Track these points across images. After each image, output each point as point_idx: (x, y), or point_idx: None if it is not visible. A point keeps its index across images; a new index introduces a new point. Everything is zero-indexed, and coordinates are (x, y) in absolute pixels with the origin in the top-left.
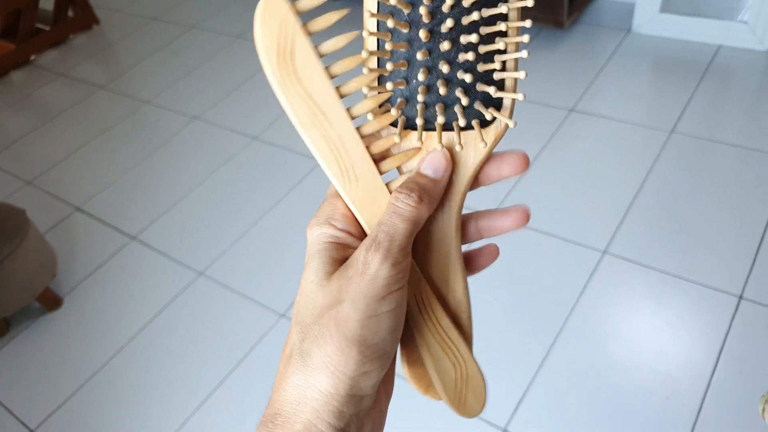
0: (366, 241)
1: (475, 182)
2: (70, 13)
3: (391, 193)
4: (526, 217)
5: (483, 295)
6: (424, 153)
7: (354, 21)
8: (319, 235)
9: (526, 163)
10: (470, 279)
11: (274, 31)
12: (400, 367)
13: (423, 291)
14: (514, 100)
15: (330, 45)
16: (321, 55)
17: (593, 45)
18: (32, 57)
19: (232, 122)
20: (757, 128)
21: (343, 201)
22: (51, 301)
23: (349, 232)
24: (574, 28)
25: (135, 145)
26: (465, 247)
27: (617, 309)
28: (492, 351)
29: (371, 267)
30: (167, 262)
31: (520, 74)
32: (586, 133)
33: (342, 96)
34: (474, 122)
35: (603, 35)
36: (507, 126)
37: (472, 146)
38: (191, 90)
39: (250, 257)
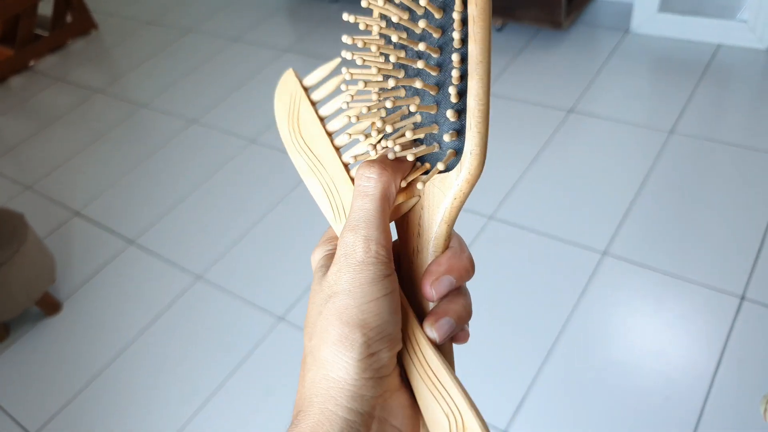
0: (342, 232)
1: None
2: (69, 19)
3: None
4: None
5: (483, 297)
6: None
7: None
8: (320, 252)
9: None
10: (469, 281)
11: (286, 101)
12: None
13: (410, 326)
14: (478, 150)
15: (327, 108)
16: (321, 117)
17: (592, 45)
18: (31, 63)
19: (230, 125)
20: (757, 127)
21: None
22: (50, 306)
23: None
24: (572, 28)
25: (133, 149)
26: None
27: (618, 310)
28: (492, 353)
29: (356, 254)
30: (165, 266)
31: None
32: (585, 134)
33: (337, 147)
34: (438, 164)
35: (601, 35)
36: (468, 173)
37: (439, 192)
38: (189, 93)
39: (248, 261)
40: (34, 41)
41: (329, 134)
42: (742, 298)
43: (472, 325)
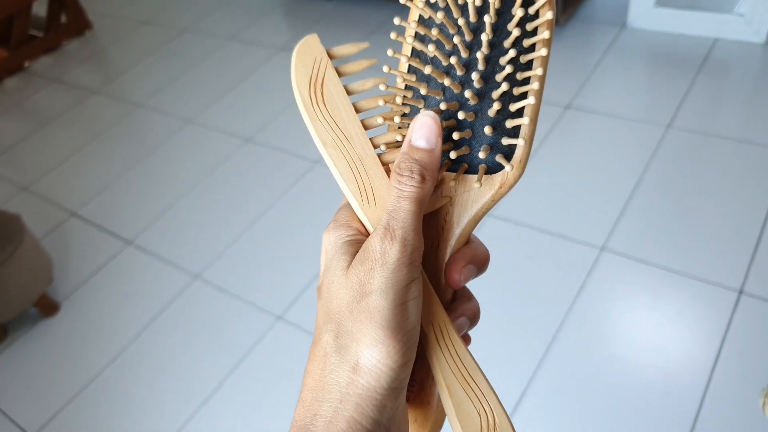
0: (378, 230)
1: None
2: (63, 19)
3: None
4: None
5: (482, 292)
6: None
7: (380, 64)
8: (337, 237)
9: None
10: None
11: (309, 63)
12: None
13: (439, 318)
14: (527, 150)
15: (358, 85)
16: (349, 92)
17: (588, 41)
18: (26, 63)
19: (226, 124)
20: (754, 121)
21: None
22: (48, 307)
23: (367, 234)
24: (568, 24)
25: (129, 149)
26: None
27: (616, 305)
28: (491, 349)
29: (391, 255)
30: (163, 266)
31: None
32: (582, 130)
33: (366, 128)
34: (481, 166)
35: (598, 31)
36: (514, 176)
37: (474, 190)
38: (185, 93)
39: (246, 260)
40: (28, 42)
41: (357, 112)
42: (740, 292)
43: None
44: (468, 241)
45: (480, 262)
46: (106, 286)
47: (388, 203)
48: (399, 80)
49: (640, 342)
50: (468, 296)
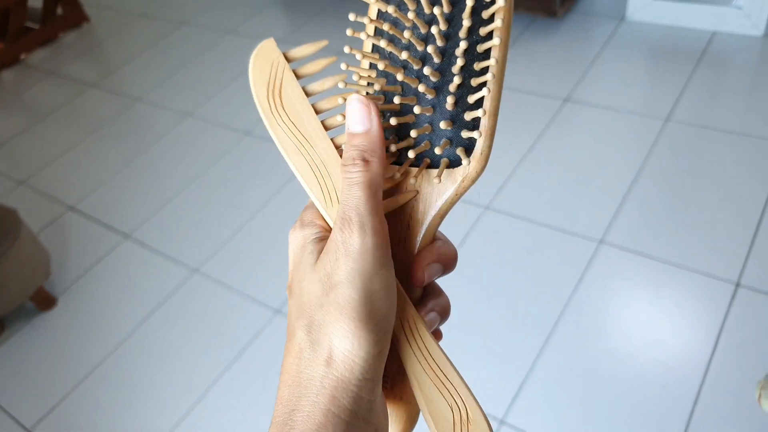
0: (336, 222)
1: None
2: (60, 11)
3: None
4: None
5: (480, 286)
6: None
7: (338, 60)
8: (304, 236)
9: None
10: (467, 272)
11: (266, 69)
12: None
13: (409, 314)
14: (486, 143)
15: (317, 85)
16: (308, 94)
17: (587, 34)
18: (22, 56)
19: (225, 118)
20: (752, 114)
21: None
22: (45, 301)
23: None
24: (567, 17)
25: (127, 143)
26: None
27: (614, 298)
28: (489, 342)
29: (353, 244)
30: (161, 260)
31: (478, 112)
32: (581, 123)
33: (327, 128)
34: (442, 160)
35: (596, 23)
36: (475, 170)
37: (437, 185)
38: (183, 87)
39: (244, 254)
40: (25, 34)
41: (318, 113)
42: (738, 284)
43: (470, 316)
44: (435, 238)
45: (446, 261)
46: (103, 280)
47: (341, 194)
48: (356, 77)
49: (638, 334)
50: (438, 292)
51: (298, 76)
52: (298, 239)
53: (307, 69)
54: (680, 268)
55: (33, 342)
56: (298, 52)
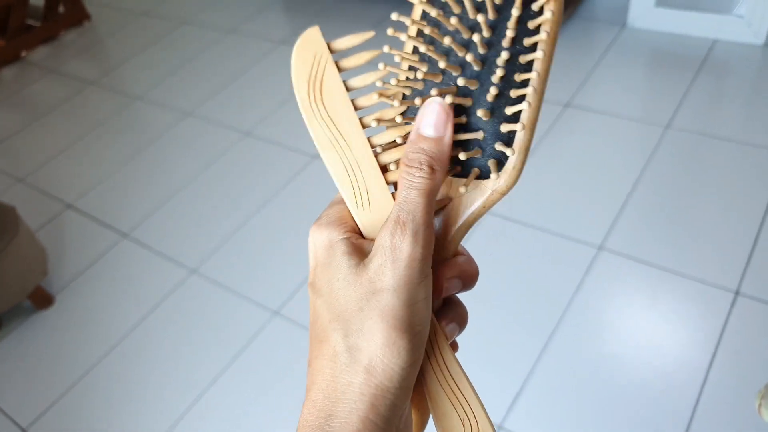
0: (388, 224)
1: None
2: (61, 9)
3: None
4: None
5: (479, 292)
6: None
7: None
8: (330, 235)
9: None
10: None
11: (308, 60)
12: None
13: (432, 328)
14: (520, 158)
15: (359, 80)
16: (349, 89)
17: (588, 40)
18: (23, 53)
19: (225, 118)
20: (753, 122)
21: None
22: (42, 300)
23: (359, 234)
24: (569, 23)
25: (126, 142)
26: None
27: (613, 304)
28: (488, 347)
29: (404, 250)
30: (159, 260)
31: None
32: (581, 129)
33: (364, 126)
34: (473, 170)
35: (598, 30)
36: (506, 184)
37: (465, 196)
38: (183, 85)
39: (243, 254)
40: (26, 32)
41: (356, 110)
42: (737, 293)
43: (469, 320)
44: (458, 253)
45: (468, 278)
46: (101, 279)
47: (398, 195)
48: (398, 77)
49: (637, 341)
50: (457, 302)
51: (340, 69)
52: (323, 238)
53: (351, 62)
54: (679, 275)
55: (30, 341)
56: (343, 43)
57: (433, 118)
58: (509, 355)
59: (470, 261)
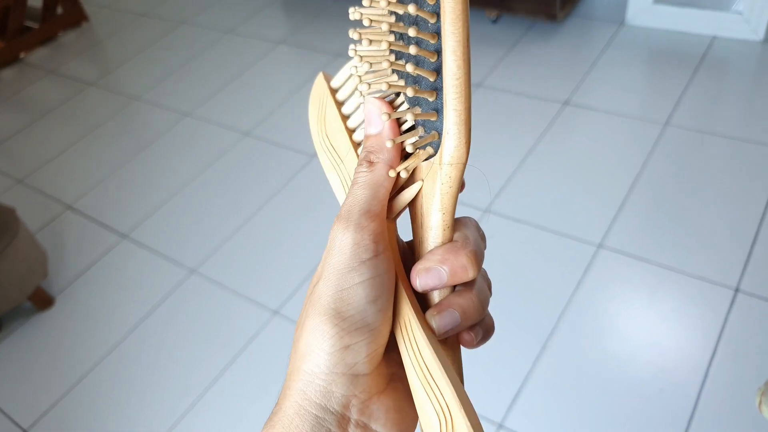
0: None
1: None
2: (59, 10)
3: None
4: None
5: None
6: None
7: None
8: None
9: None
10: None
11: (316, 102)
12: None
13: (405, 316)
14: (455, 128)
15: (349, 105)
16: (344, 116)
17: (587, 38)
18: (21, 55)
19: (224, 118)
20: (752, 119)
21: None
22: (43, 301)
23: None
24: (567, 20)
25: (126, 143)
26: None
27: (613, 303)
28: (487, 346)
29: (335, 240)
30: (159, 260)
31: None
32: (580, 127)
33: (356, 144)
34: (427, 149)
35: (596, 28)
36: (448, 157)
37: (433, 182)
38: (182, 86)
39: (242, 254)
40: (24, 33)
41: (349, 130)
42: (737, 290)
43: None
44: (449, 238)
45: (452, 266)
46: (101, 280)
47: None
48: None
49: (637, 339)
50: (461, 292)
51: (340, 101)
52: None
53: (345, 92)
54: (679, 273)
55: (30, 342)
56: (339, 79)
57: (367, 116)
58: (509, 353)
59: (455, 248)
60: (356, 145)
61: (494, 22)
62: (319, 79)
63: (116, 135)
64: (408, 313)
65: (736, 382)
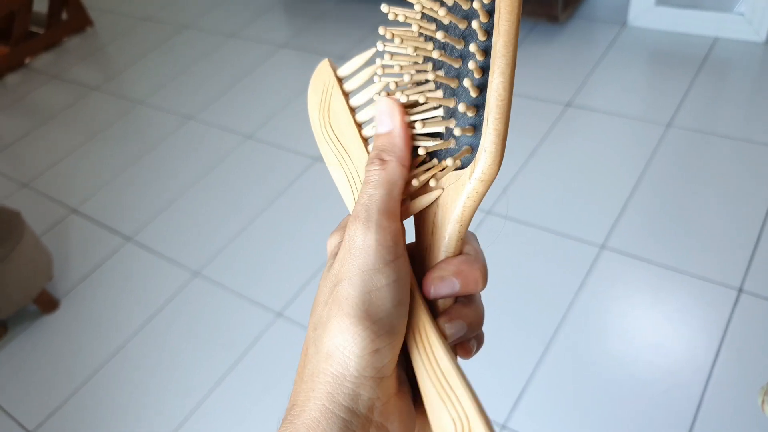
0: (348, 220)
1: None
2: (64, 16)
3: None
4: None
5: (482, 292)
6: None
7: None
8: (335, 239)
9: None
10: None
11: (319, 91)
12: None
13: (421, 321)
14: (492, 147)
15: (359, 98)
16: (352, 108)
17: (589, 39)
18: (27, 60)
19: (226, 121)
20: (754, 120)
21: None
22: (48, 303)
23: None
24: (569, 22)
25: (129, 146)
26: None
27: (616, 303)
28: (491, 347)
29: (357, 240)
30: (163, 263)
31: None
32: (582, 128)
33: (365, 138)
34: (456, 162)
35: (598, 29)
36: (481, 173)
37: (453, 192)
38: (185, 90)
39: (246, 256)
40: (29, 39)
41: (358, 125)
42: (740, 290)
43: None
44: (459, 249)
45: (465, 279)
46: (105, 282)
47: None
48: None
49: (640, 340)
50: (467, 302)
51: (346, 92)
52: (333, 245)
53: (356, 83)
54: (682, 273)
55: (35, 345)
56: (348, 68)
57: (380, 116)
58: (512, 354)
59: (469, 261)
60: (365, 139)
61: None
62: (324, 65)
63: (120, 139)
64: (423, 319)
65: (740, 383)
